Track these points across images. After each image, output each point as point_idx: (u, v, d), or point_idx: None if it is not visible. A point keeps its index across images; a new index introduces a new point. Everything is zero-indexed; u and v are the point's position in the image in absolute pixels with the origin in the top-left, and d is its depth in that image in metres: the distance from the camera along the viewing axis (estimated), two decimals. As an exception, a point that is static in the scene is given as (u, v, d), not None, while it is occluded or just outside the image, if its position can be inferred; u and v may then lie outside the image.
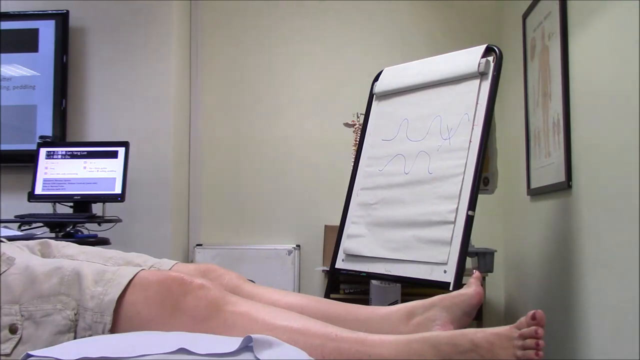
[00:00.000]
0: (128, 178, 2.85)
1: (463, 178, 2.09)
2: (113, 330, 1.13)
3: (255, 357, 0.98)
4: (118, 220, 2.84)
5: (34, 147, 2.96)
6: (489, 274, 2.84)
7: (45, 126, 3.17)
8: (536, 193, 2.77)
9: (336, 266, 2.44)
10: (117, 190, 2.82)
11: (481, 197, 2.13)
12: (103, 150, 2.87)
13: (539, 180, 2.69)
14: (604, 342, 2.00)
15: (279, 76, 3.58)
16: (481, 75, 2.17)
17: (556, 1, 2.38)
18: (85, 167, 2.87)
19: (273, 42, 3.60)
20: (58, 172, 2.87)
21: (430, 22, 3.60)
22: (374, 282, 2.54)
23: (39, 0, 3.29)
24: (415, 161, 2.29)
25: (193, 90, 3.59)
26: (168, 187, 3.23)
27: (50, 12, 3.22)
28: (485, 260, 2.70)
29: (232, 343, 1.01)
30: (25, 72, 3.23)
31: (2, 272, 1.19)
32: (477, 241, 2.76)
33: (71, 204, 2.88)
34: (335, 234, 2.50)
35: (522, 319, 1.12)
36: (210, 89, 3.60)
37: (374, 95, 2.62)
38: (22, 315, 1.14)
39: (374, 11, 3.60)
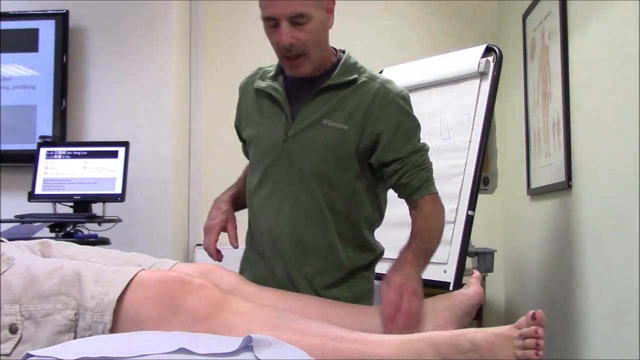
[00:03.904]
0: (128, 178, 2.85)
1: (463, 178, 2.09)
2: (113, 330, 1.13)
3: (256, 356, 0.98)
4: (118, 220, 2.84)
5: (34, 147, 2.96)
6: (489, 274, 2.84)
7: (45, 126, 3.17)
8: (536, 193, 2.77)
9: (336, 266, 2.44)
10: (117, 190, 2.82)
11: (481, 197, 2.13)
12: (103, 150, 2.88)
13: (539, 180, 2.68)
14: (604, 342, 2.00)
15: (279, 76, 3.58)
16: (481, 75, 2.17)
17: (556, 1, 2.38)
18: (85, 167, 2.87)
19: (273, 42, 3.60)
20: (58, 172, 2.87)
21: (430, 22, 3.60)
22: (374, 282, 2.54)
23: (39, 0, 3.29)
24: (415, 161, 2.29)
25: (193, 90, 3.59)
26: (168, 187, 3.23)
27: (50, 12, 3.22)
28: (485, 260, 2.70)
29: (232, 343, 1.01)
30: (25, 72, 3.23)
31: (2, 272, 1.19)
32: (477, 241, 2.76)
33: (71, 204, 2.88)
34: (335, 234, 2.50)
35: (522, 319, 1.12)
36: (210, 89, 3.60)
37: (374, 95, 2.61)
38: (22, 315, 1.14)
39: (373, 11, 3.60)
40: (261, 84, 1.65)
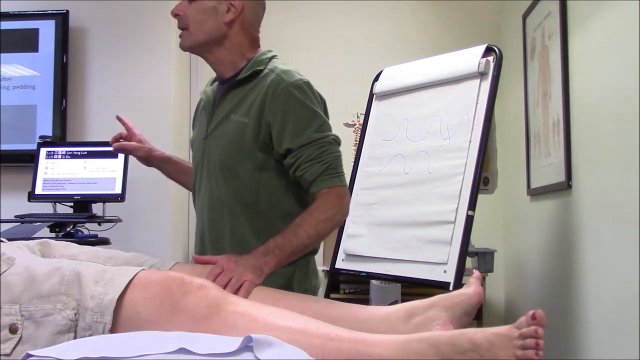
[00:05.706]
0: (128, 178, 2.85)
1: (463, 178, 2.08)
2: (113, 330, 1.13)
3: (256, 356, 0.98)
4: (118, 220, 2.84)
5: (34, 147, 2.96)
6: (489, 274, 2.84)
7: (45, 126, 3.16)
8: (536, 193, 2.77)
9: (336, 266, 2.44)
10: (117, 190, 2.82)
11: (481, 197, 2.13)
12: (103, 150, 2.87)
13: (539, 180, 2.69)
14: (604, 342, 2.00)
15: (279, 76, 3.58)
16: (481, 75, 2.17)
17: (556, 1, 2.38)
18: (85, 167, 2.87)
19: (273, 42, 3.58)
20: (58, 172, 2.87)
21: (430, 22, 3.60)
22: (374, 282, 2.54)
23: (39, 0, 3.29)
24: (415, 161, 2.29)
25: (193, 90, 3.58)
26: (168, 187, 3.23)
27: (50, 12, 3.22)
28: (485, 260, 2.70)
29: (232, 343, 1.01)
30: (25, 72, 3.23)
31: (2, 272, 1.19)
32: (477, 241, 2.75)
33: (71, 204, 2.88)
34: (335, 234, 2.50)
35: (522, 319, 1.12)
36: (210, 89, 3.60)
37: (374, 95, 2.62)
38: (22, 315, 1.14)
39: (374, 11, 3.60)
40: (202, 91, 1.79)
